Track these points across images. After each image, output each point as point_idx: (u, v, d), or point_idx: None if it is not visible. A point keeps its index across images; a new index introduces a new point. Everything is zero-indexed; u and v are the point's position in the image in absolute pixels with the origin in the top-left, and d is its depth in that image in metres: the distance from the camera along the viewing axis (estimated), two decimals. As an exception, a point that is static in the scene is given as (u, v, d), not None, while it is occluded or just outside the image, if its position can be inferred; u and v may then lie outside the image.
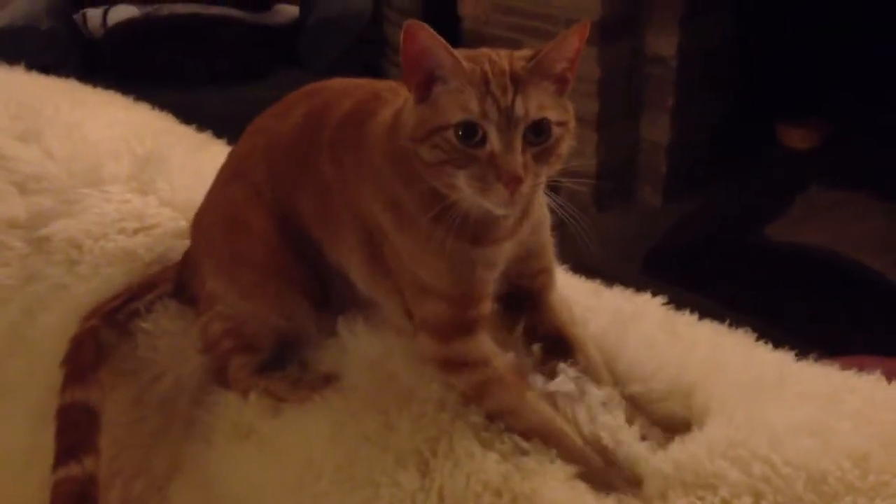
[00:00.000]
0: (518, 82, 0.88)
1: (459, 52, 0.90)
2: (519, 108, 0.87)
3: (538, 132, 0.89)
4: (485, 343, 1.00)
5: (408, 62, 0.90)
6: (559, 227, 1.04)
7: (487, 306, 1.01)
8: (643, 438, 0.96)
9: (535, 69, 0.90)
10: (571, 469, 0.93)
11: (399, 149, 0.94)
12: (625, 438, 0.95)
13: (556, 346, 1.05)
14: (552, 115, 0.90)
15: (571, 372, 1.01)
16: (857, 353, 1.21)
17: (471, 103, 0.87)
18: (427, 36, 0.88)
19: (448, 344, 1.00)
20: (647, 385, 1.02)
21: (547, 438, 0.96)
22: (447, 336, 1.00)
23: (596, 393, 0.99)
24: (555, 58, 0.91)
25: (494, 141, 0.87)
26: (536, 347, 1.06)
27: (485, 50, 0.93)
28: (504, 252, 0.99)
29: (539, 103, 0.89)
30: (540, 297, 1.07)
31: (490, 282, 1.00)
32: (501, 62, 0.90)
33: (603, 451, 0.95)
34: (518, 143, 0.87)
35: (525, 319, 1.08)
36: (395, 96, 1.02)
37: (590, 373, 1.02)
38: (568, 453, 0.95)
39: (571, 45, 0.91)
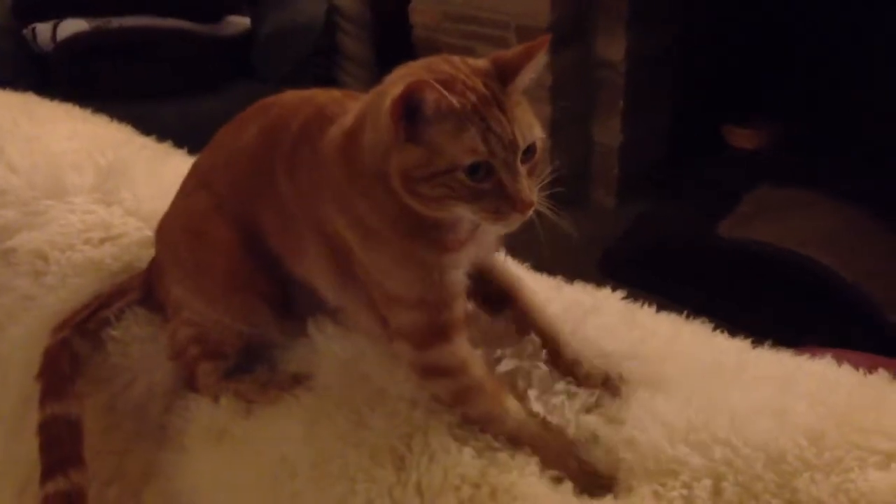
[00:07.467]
0: (503, 108, 0.89)
1: (424, 70, 0.91)
2: (519, 138, 0.89)
3: (527, 150, 0.91)
4: (462, 348, 1.00)
5: (395, 107, 0.87)
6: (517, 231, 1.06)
7: (461, 307, 1.01)
8: (587, 411, 1.00)
9: (514, 90, 0.91)
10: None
11: (362, 172, 0.95)
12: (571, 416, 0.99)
13: (500, 299, 1.10)
14: (538, 132, 0.92)
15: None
16: (807, 345, 1.25)
17: (477, 144, 0.87)
18: (427, 87, 0.86)
19: (426, 351, 1.00)
20: (599, 360, 1.05)
21: (526, 444, 0.97)
22: (424, 343, 1.00)
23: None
24: (528, 73, 0.92)
25: (503, 175, 0.89)
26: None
27: (443, 66, 0.92)
28: (469, 254, 1.01)
29: (528, 125, 0.91)
30: (485, 269, 1.09)
31: (460, 282, 1.01)
32: (477, 85, 0.90)
33: (578, 456, 0.97)
34: (521, 170, 0.89)
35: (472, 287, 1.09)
36: (340, 109, 1.03)
37: (528, 312, 1.07)
38: (547, 459, 0.96)
39: (541, 60, 0.92)
